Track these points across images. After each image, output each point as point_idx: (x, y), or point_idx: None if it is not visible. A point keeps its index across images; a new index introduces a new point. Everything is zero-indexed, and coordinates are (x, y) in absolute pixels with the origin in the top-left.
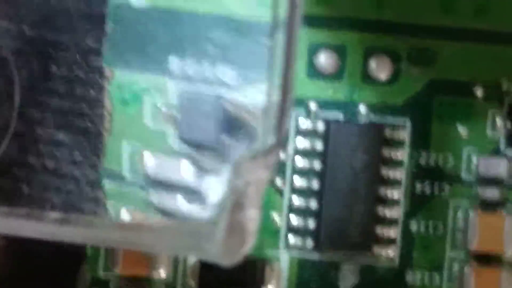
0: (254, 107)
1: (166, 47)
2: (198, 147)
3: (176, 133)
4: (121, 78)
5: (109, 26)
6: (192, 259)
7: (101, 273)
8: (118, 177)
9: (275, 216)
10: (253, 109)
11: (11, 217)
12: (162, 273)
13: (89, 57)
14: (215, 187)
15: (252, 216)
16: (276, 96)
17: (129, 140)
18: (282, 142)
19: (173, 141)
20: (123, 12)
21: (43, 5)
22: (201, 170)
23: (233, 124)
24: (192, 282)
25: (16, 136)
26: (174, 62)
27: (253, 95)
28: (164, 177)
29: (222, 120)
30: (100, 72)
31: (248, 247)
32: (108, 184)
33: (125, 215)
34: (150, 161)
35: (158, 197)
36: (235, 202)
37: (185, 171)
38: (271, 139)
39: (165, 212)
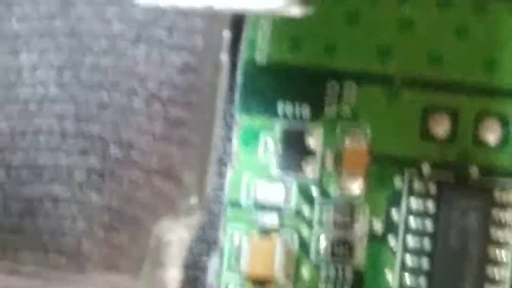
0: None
1: (276, 95)
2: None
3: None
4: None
5: (240, 80)
6: None
7: None
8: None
9: (389, 275)
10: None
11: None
12: None
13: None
14: None
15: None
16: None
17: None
18: (203, 202)
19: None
20: (249, 67)
21: None
22: None
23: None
24: None
25: None
26: (280, 106)
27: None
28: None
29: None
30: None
31: None
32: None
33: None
34: (261, 189)
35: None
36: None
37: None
38: (193, 199)
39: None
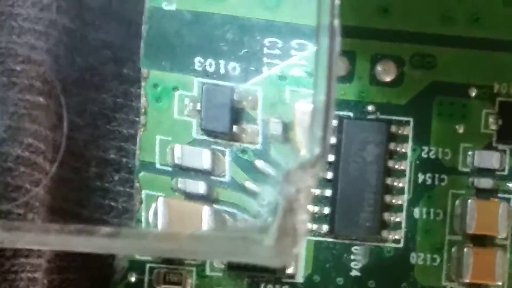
0: (253, 96)
1: (192, 48)
2: (215, 136)
3: (199, 125)
4: (155, 78)
5: (144, 29)
6: None
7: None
8: (151, 167)
9: None
10: (252, 98)
11: (62, 234)
12: None
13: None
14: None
15: (303, 219)
16: (320, 104)
17: (161, 134)
18: (326, 153)
19: (196, 132)
20: (156, 16)
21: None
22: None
23: (239, 112)
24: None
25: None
26: (198, 62)
27: (253, 86)
28: (189, 165)
29: (233, 109)
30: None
31: (299, 248)
32: (143, 175)
33: (160, 203)
34: (178, 152)
35: (184, 184)
36: (287, 207)
37: (206, 159)
38: (317, 150)
39: (188, 196)
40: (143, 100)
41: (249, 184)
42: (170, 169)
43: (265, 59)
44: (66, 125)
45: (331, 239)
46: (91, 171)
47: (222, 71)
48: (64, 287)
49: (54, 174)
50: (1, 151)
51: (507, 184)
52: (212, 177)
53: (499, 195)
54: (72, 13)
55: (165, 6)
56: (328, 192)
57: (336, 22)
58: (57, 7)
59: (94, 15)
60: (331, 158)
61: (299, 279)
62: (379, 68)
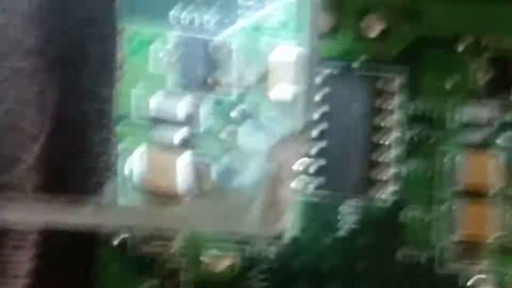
0: (228, 48)
1: (166, 1)
2: (190, 88)
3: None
4: (130, 31)
5: None
6: None
7: None
8: (127, 120)
9: None
10: (227, 50)
11: (49, 209)
12: None
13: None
14: None
15: (286, 193)
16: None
17: (137, 87)
18: (308, 128)
19: (172, 85)
20: None
21: None
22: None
23: (214, 64)
24: None
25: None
26: (172, 15)
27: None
28: (164, 117)
29: (208, 61)
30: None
31: (284, 220)
32: (119, 128)
33: (136, 154)
34: (153, 104)
35: (160, 136)
36: (271, 183)
37: (181, 111)
38: (299, 126)
39: (165, 148)
40: (119, 54)
41: (225, 135)
42: (146, 122)
43: (239, 11)
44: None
45: (318, 199)
46: (75, 134)
47: (196, 23)
48: (53, 255)
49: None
50: None
51: (497, 139)
52: (188, 128)
53: (489, 150)
54: None
55: None
56: (314, 151)
57: None
58: None
59: None
60: (316, 116)
61: (286, 240)
62: (364, 23)
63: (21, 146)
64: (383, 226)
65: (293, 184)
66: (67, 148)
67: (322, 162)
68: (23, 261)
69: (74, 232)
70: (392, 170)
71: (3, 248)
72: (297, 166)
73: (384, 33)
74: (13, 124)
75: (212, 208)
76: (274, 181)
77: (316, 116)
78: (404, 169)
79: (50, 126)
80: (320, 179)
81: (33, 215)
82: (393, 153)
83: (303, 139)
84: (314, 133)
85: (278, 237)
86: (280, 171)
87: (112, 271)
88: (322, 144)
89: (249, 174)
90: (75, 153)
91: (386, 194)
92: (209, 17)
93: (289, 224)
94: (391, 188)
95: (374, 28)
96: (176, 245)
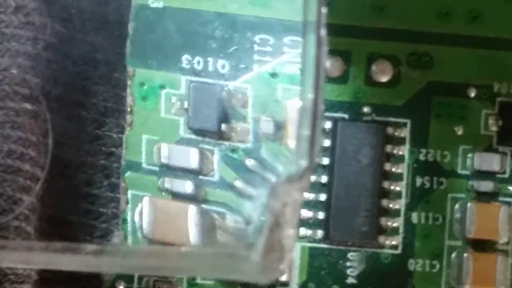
0: (243, 94)
1: (179, 46)
2: (203, 135)
3: (186, 123)
4: (141, 76)
5: (130, 27)
6: None
7: None
8: (137, 167)
9: None
10: (242, 96)
11: (47, 252)
12: None
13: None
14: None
15: (290, 234)
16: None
17: (148, 133)
18: (314, 166)
19: (184, 131)
20: (142, 13)
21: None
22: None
23: (227, 111)
24: None
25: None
26: (185, 59)
27: (243, 84)
28: (176, 165)
29: (222, 107)
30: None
31: (285, 263)
32: (129, 175)
33: (146, 203)
34: (165, 151)
35: (171, 183)
36: (273, 223)
37: (193, 158)
38: (304, 163)
39: (175, 196)
40: (129, 99)
41: (239, 184)
42: (156, 168)
43: (255, 57)
44: (50, 127)
45: (326, 245)
46: (80, 177)
47: (210, 68)
48: None
49: (44, 180)
50: None
51: (508, 187)
52: (200, 177)
53: (500, 198)
54: (60, 17)
55: (152, 4)
56: (323, 197)
57: (323, 17)
58: (46, 11)
59: (83, 18)
60: (325, 161)
61: (294, 287)
62: (374, 68)
63: (22, 188)
64: (391, 275)
65: (301, 231)
66: (71, 192)
67: (330, 208)
68: None
69: (78, 278)
70: (401, 218)
71: None
72: (304, 211)
73: (394, 79)
74: (15, 165)
75: (210, 255)
76: (276, 221)
77: (325, 161)
78: (413, 217)
79: (52, 168)
80: (328, 225)
81: (34, 258)
82: (403, 200)
83: (307, 181)
84: (323, 178)
85: (285, 284)
86: (283, 211)
87: None
88: (331, 189)
89: (255, 216)
90: (81, 197)
91: (395, 242)
92: (223, 63)
93: (295, 271)
94: (400, 235)
95: (385, 73)
96: None
